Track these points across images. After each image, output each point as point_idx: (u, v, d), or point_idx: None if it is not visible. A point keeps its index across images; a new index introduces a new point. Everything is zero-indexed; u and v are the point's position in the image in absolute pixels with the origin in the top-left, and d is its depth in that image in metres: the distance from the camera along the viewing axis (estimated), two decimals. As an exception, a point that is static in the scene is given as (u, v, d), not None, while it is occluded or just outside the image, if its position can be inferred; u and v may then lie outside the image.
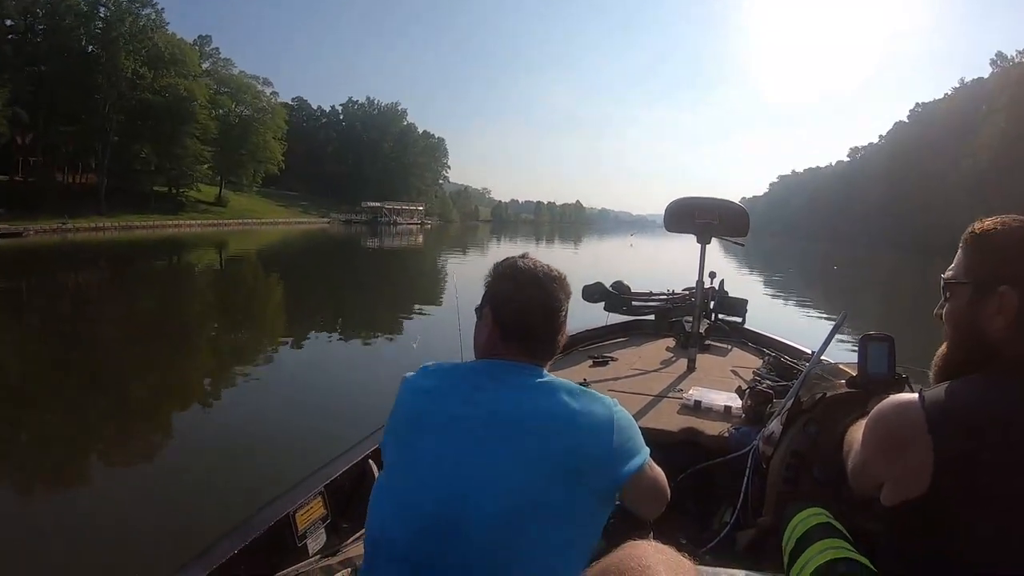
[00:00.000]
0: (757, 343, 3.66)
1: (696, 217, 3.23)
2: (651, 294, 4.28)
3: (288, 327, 11.04)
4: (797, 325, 11.81)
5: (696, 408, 2.39)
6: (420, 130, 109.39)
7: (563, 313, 1.16)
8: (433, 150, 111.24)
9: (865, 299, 19.59)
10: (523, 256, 1.20)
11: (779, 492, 1.57)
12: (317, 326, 10.99)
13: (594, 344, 3.64)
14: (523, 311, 1.14)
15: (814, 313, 14.11)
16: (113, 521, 3.67)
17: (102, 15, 43.89)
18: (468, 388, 1.08)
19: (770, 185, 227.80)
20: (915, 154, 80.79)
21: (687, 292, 4.09)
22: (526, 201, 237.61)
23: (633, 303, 4.13)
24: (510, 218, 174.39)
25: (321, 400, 6.11)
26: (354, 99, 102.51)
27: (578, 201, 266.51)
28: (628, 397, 2.53)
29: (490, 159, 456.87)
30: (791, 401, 1.70)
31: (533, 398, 1.05)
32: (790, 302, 16.33)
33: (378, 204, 79.33)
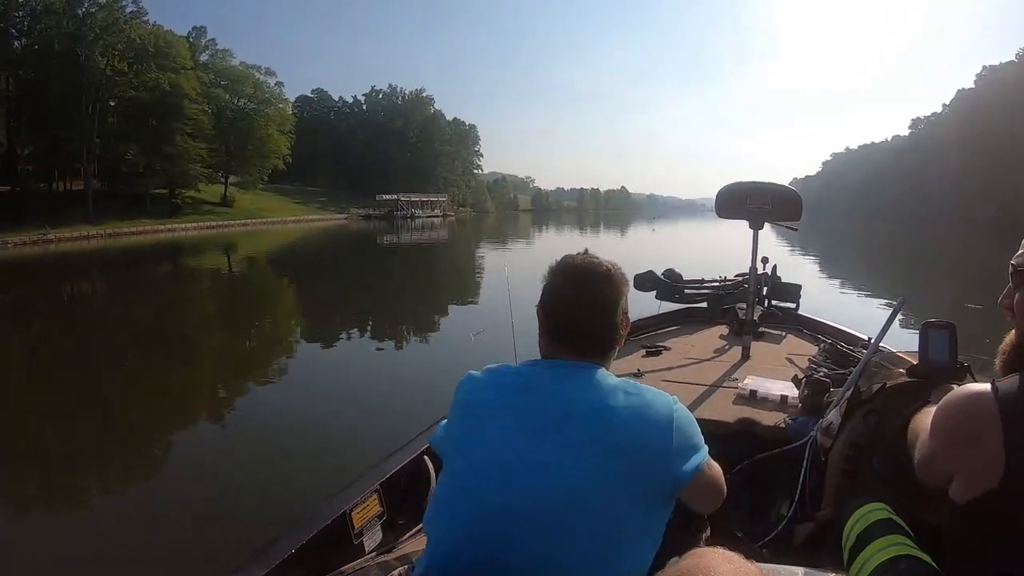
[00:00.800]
0: (812, 330, 3.67)
1: (748, 202, 3.25)
2: (703, 281, 4.32)
3: (327, 328, 11.22)
4: (853, 310, 11.60)
5: (752, 398, 2.41)
6: (450, 118, 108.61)
7: (615, 309, 1.17)
8: (463, 138, 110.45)
9: (928, 281, 19.25)
10: (580, 253, 1.21)
11: (838, 485, 1.57)
12: (358, 326, 11.29)
13: (647, 333, 3.68)
14: (568, 310, 1.16)
15: (871, 297, 13.83)
16: (174, 521, 3.89)
17: (75, 13, 43.05)
18: (525, 388, 1.11)
19: (823, 164, 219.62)
20: (985, 123, 76.58)
21: (739, 278, 4.14)
22: (571, 189, 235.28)
23: (685, 291, 4.18)
24: (552, 206, 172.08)
25: (376, 397, 6.32)
26: (377, 88, 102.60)
27: (623, 187, 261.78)
28: (682, 387, 2.58)
29: (534, 147, 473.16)
30: (850, 391, 1.69)
31: (591, 396, 1.07)
32: (846, 286, 15.81)
33: (394, 197, 77.77)
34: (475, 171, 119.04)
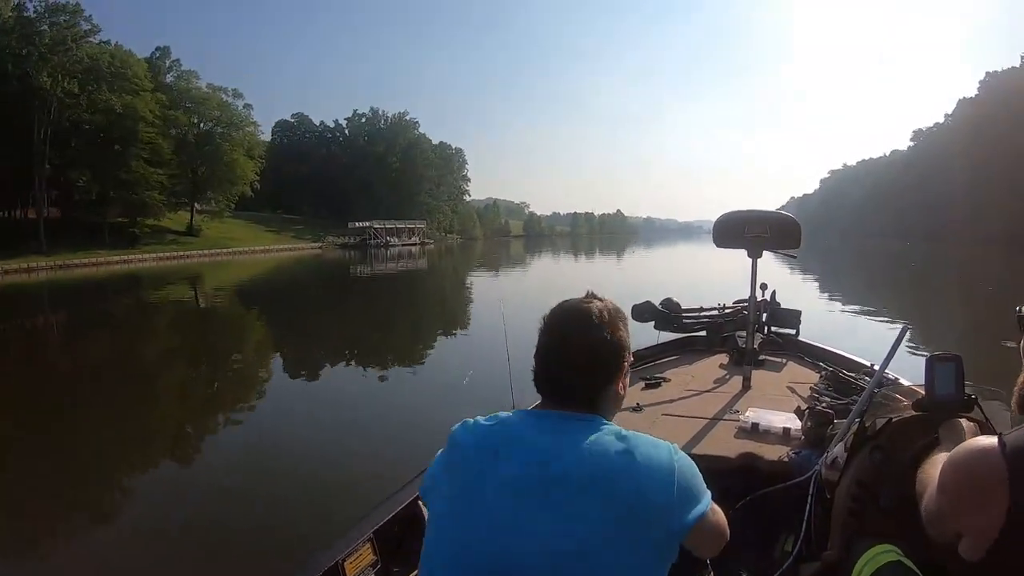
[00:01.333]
0: (812, 356, 3.71)
1: (746, 231, 3.29)
2: (701, 309, 4.28)
3: (299, 367, 10.89)
4: (854, 333, 11.50)
5: (754, 431, 2.44)
6: (436, 141, 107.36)
7: (607, 354, 1.14)
8: (448, 162, 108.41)
9: (934, 301, 19.54)
10: (582, 297, 1.19)
11: (845, 524, 1.58)
12: (342, 360, 11.29)
13: (646, 365, 3.61)
14: (555, 360, 1.15)
15: (873, 319, 13.94)
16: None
17: (27, 32, 41.03)
18: (520, 441, 1.09)
19: (821, 181, 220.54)
20: (992, 131, 73.79)
21: (738, 305, 4.11)
22: (567, 214, 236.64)
23: (684, 320, 4.14)
24: (544, 231, 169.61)
25: (367, 441, 6.22)
26: (359, 112, 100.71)
27: (619, 210, 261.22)
28: (683, 421, 2.64)
29: (530, 173, 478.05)
30: (855, 424, 1.71)
31: (588, 452, 1.05)
32: (847, 309, 16.06)
33: (366, 224, 75.03)
34: (464, 196, 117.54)
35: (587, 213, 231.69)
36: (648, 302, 4.11)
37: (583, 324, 1.13)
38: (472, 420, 1.16)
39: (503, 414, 1.15)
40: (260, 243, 60.66)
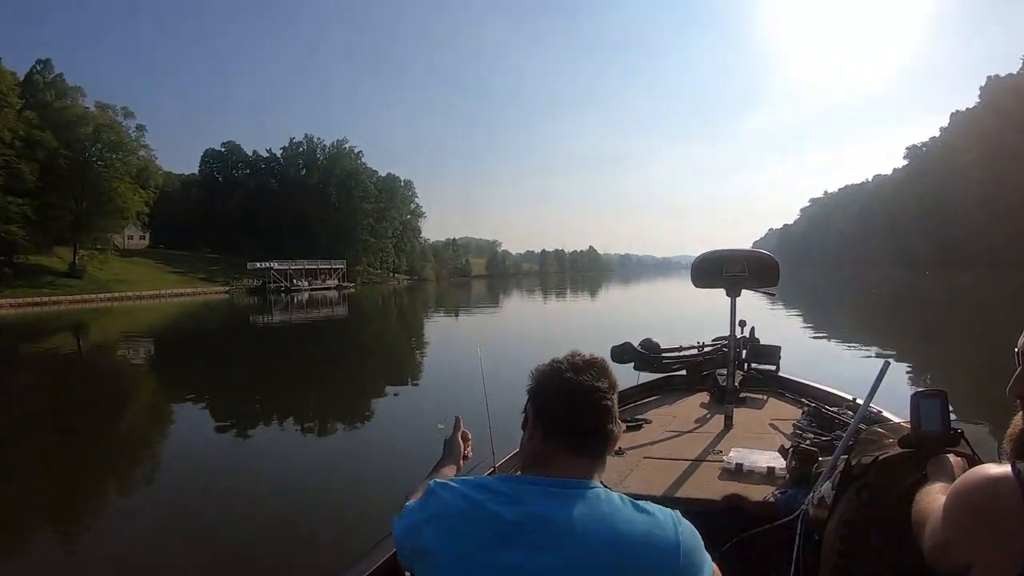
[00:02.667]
0: (794, 392, 3.84)
1: (724, 271, 3.41)
2: (681, 348, 4.44)
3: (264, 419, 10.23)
4: (835, 366, 11.82)
5: (738, 472, 2.49)
6: (383, 173, 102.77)
7: (606, 404, 1.19)
8: (392, 194, 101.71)
9: (924, 330, 20.57)
10: (576, 353, 1.25)
11: (835, 565, 1.63)
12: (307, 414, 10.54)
13: (627, 406, 3.67)
14: (562, 404, 1.19)
15: (854, 352, 14.29)
16: None
17: None
18: (517, 516, 1.09)
19: (801, 211, 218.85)
20: (999, 140, 66.01)
21: (717, 343, 4.32)
22: (543, 251, 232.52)
23: (663, 360, 4.30)
24: (509, 269, 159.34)
25: (333, 498, 6.02)
26: (296, 140, 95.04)
27: (591, 247, 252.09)
28: (665, 464, 2.69)
29: (503, 210, 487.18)
30: (840, 462, 1.77)
31: (588, 526, 1.07)
32: (828, 341, 16.85)
33: (266, 265, 68.21)
34: (414, 232, 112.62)
35: (557, 250, 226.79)
36: (627, 343, 4.22)
37: (583, 366, 1.19)
38: (454, 483, 1.16)
39: (488, 480, 1.17)
40: (161, 286, 56.76)
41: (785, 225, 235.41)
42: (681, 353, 4.41)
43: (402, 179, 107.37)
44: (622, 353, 4.11)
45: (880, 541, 1.52)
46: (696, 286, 3.57)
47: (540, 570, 1.04)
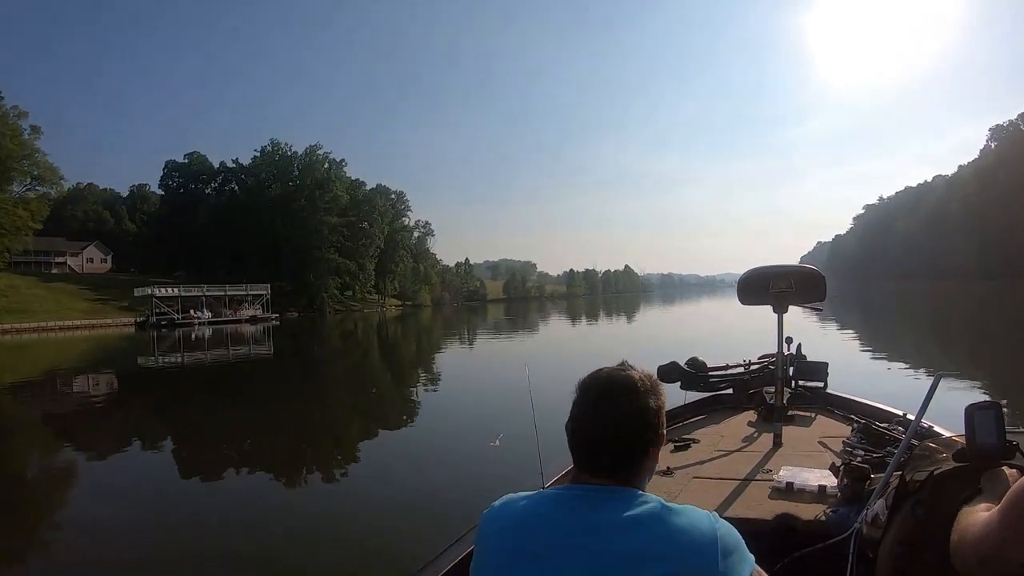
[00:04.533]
0: (842, 409, 3.98)
1: (771, 287, 3.59)
2: (727, 367, 4.63)
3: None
4: (884, 383, 11.97)
5: (788, 491, 2.57)
6: (372, 181, 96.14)
7: (643, 423, 1.22)
8: (370, 206, 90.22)
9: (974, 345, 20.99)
10: (616, 366, 1.29)
11: None
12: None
13: (674, 426, 3.94)
14: (583, 427, 1.24)
15: (905, 368, 14.66)
16: None
17: None
18: (557, 525, 1.18)
19: (854, 219, 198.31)
20: None
21: (764, 360, 4.52)
22: (571, 270, 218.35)
23: (710, 379, 4.49)
24: (530, 292, 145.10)
25: (394, 508, 6.56)
26: (265, 148, 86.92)
27: (627, 266, 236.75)
28: (714, 484, 2.79)
29: (537, 233, 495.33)
30: (895, 478, 1.84)
31: (626, 528, 1.14)
32: (875, 358, 17.38)
33: (144, 292, 59.11)
34: (408, 251, 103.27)
35: (588, 270, 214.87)
36: (674, 362, 4.33)
37: (629, 393, 1.22)
38: (500, 504, 1.27)
39: (532, 495, 1.26)
40: (65, 316, 53.18)
41: (836, 236, 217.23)
42: (728, 372, 4.58)
43: (393, 190, 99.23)
44: (668, 372, 4.18)
45: (936, 559, 1.47)
46: (742, 303, 3.76)
47: (576, 565, 1.11)
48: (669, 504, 1.16)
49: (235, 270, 70.65)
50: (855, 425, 3.14)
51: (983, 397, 2.10)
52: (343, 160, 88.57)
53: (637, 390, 1.20)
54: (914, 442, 1.91)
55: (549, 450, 2.52)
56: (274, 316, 64.70)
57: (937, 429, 2.45)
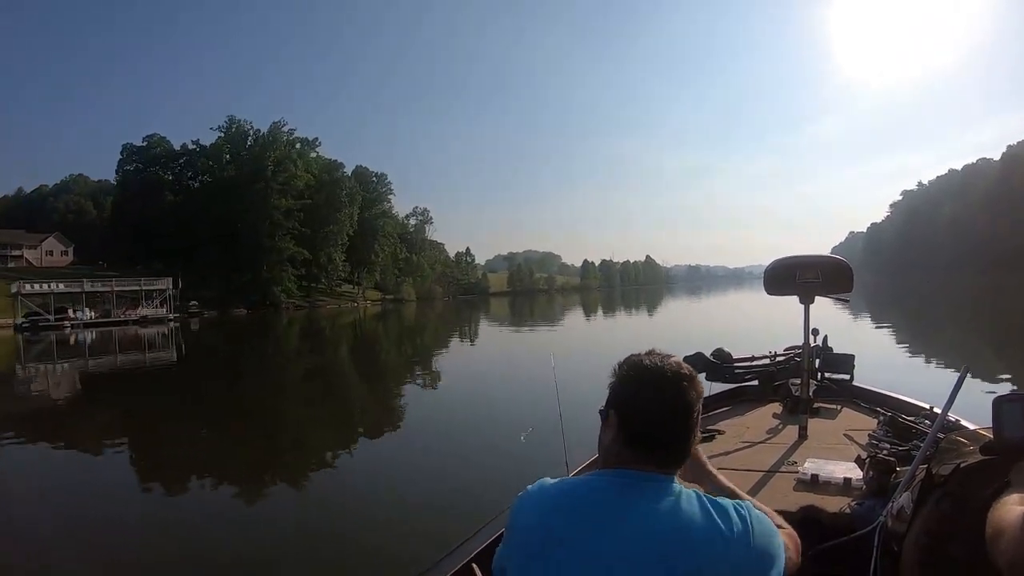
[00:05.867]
0: (868, 401, 4.04)
1: (797, 277, 3.59)
2: (753, 358, 4.78)
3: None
4: (911, 377, 12.43)
5: (813, 483, 2.61)
6: (348, 164, 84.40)
7: (694, 415, 1.29)
8: (335, 187, 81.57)
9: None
10: (649, 352, 1.35)
11: None
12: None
13: None
14: (648, 416, 1.28)
15: (934, 363, 15.36)
16: None
17: None
18: (595, 513, 1.22)
19: (891, 207, 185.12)
20: None
21: (789, 352, 4.68)
22: (584, 261, 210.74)
23: (735, 370, 4.65)
24: (537, 284, 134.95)
25: (419, 494, 7.00)
26: (235, 121, 79.05)
27: (648, 256, 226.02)
28: (740, 475, 2.83)
29: (564, 227, 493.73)
30: (920, 471, 1.89)
31: (665, 518, 1.19)
32: (902, 350, 17.96)
33: (32, 288, 51.05)
34: (388, 239, 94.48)
35: (604, 261, 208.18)
36: (699, 353, 4.43)
37: (670, 376, 1.27)
38: (536, 487, 1.31)
39: (569, 480, 1.32)
40: None
41: (872, 224, 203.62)
42: (753, 363, 4.69)
43: (374, 172, 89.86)
44: (694, 363, 3.54)
45: (962, 553, 1.53)
46: (769, 293, 3.75)
47: (605, 553, 1.14)
48: (706, 498, 1.21)
49: (190, 263, 65.04)
50: (881, 418, 3.26)
51: (1011, 389, 2.34)
52: (316, 139, 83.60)
53: (689, 377, 1.26)
54: (940, 435, 1.96)
55: (571, 442, 2.75)
56: (171, 316, 55.51)
57: (964, 423, 2.47)
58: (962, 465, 1.63)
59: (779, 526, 1.36)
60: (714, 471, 1.61)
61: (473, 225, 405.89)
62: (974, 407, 2.15)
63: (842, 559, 1.95)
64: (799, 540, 1.35)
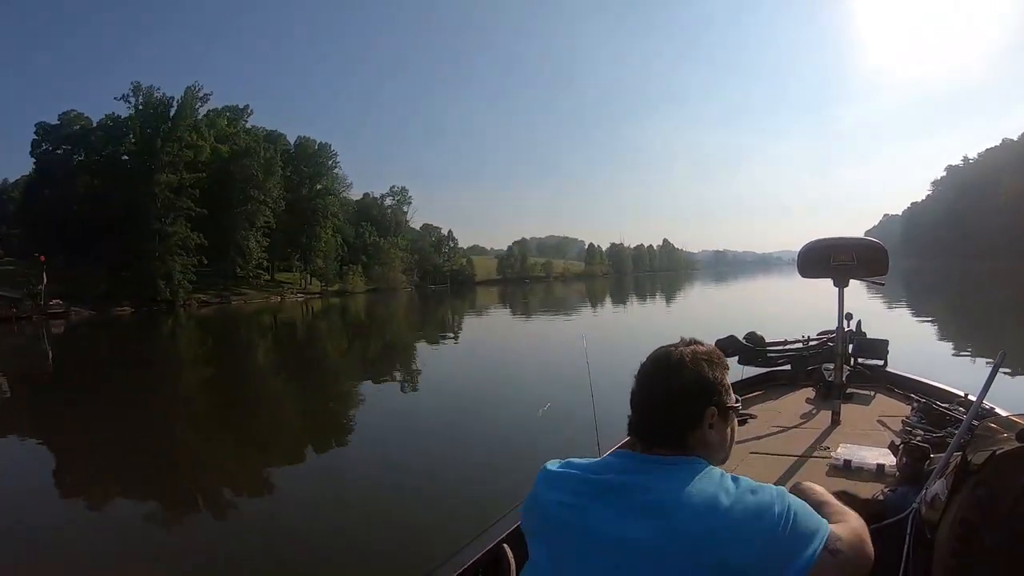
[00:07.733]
0: (902, 387, 4.15)
1: (832, 260, 3.67)
2: (786, 342, 4.99)
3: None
4: (946, 362, 12.83)
5: (846, 468, 2.75)
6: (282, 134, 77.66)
7: (692, 398, 1.35)
8: (247, 155, 68.55)
9: None
10: (679, 342, 1.45)
11: (947, 565, 1.71)
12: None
13: None
14: (641, 404, 1.39)
15: (969, 350, 15.09)
16: None
17: None
18: (613, 491, 1.28)
19: (932, 185, 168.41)
20: None
21: (822, 337, 4.86)
22: (589, 245, 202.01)
23: (768, 354, 4.85)
24: (533, 271, 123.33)
25: (445, 477, 7.21)
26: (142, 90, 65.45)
27: (665, 240, 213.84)
28: (771, 460, 3.01)
29: (590, 212, 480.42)
30: (955, 458, 1.91)
31: (689, 502, 1.21)
32: (937, 336, 18.05)
33: None
34: (325, 218, 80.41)
35: (613, 245, 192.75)
36: (732, 336, 4.68)
37: (666, 364, 1.36)
38: (556, 465, 1.40)
39: (588, 460, 1.40)
40: None
41: (913, 204, 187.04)
42: (786, 347, 4.82)
43: (316, 141, 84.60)
44: (726, 347, 4.44)
45: (997, 541, 1.55)
46: (803, 276, 3.82)
47: (631, 535, 1.18)
48: (732, 479, 1.23)
49: (85, 256, 56.75)
50: (915, 404, 3.36)
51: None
52: (247, 107, 73.79)
53: (685, 364, 1.32)
54: (975, 422, 1.99)
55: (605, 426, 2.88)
56: (25, 315, 43.73)
57: (999, 410, 2.50)
58: (997, 452, 1.61)
59: (832, 513, 1.35)
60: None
61: (487, 212, 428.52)
62: (1011, 395, 2.18)
63: (874, 546, 1.77)
64: (862, 532, 1.33)
